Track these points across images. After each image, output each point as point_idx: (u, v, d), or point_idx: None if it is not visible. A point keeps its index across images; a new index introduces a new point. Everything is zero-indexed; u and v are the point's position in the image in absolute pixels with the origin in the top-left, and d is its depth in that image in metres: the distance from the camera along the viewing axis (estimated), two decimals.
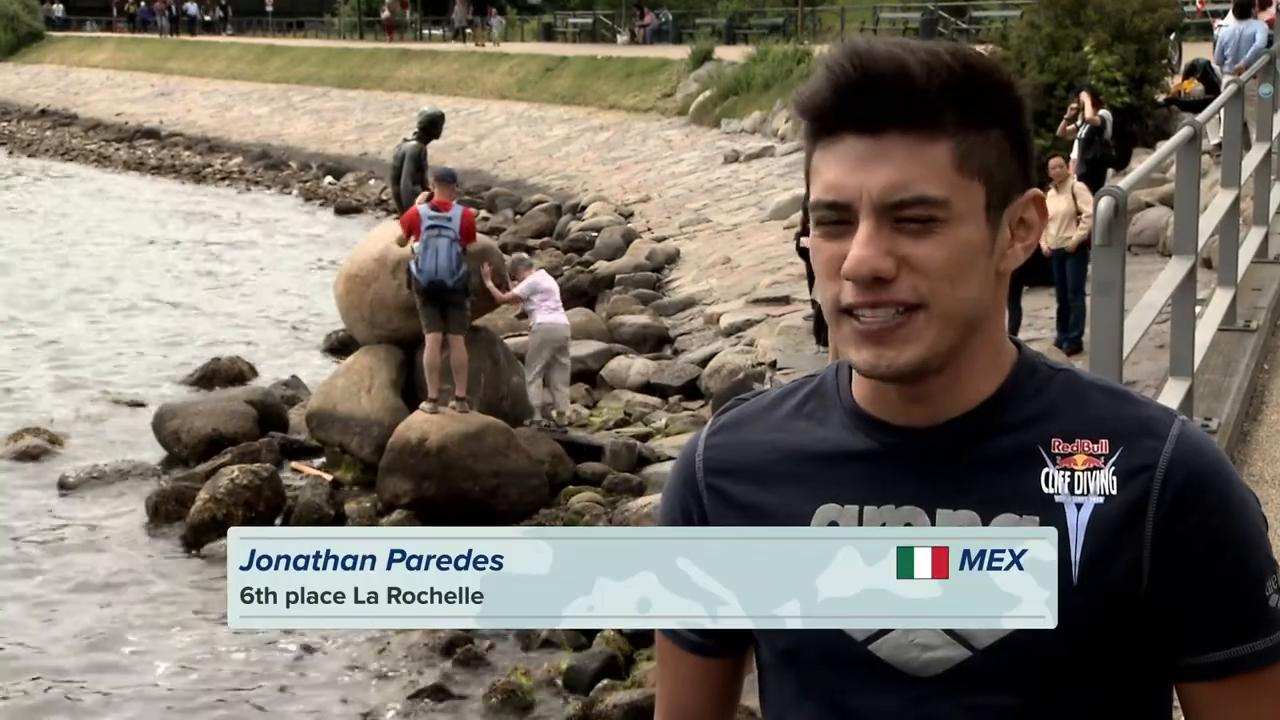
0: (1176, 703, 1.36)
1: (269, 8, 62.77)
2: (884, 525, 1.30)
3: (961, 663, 1.28)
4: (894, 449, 1.32)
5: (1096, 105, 13.45)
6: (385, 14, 55.70)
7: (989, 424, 1.31)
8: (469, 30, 47.10)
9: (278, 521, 10.52)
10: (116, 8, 65.46)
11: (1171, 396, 5.51)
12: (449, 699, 7.93)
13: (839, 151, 1.26)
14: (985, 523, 1.28)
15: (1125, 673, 1.31)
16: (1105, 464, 1.29)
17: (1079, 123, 13.15)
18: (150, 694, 8.23)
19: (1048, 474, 1.29)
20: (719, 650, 1.45)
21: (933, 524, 1.29)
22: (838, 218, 1.26)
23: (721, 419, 1.44)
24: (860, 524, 1.31)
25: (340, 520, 10.53)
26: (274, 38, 55.28)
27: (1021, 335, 11.42)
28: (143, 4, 64.74)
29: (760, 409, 1.42)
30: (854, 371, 1.37)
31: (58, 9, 66.08)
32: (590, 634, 8.32)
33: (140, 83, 48.97)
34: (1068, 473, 1.29)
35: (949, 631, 1.27)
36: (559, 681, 7.95)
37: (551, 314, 11.65)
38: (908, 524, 1.29)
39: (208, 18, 60.64)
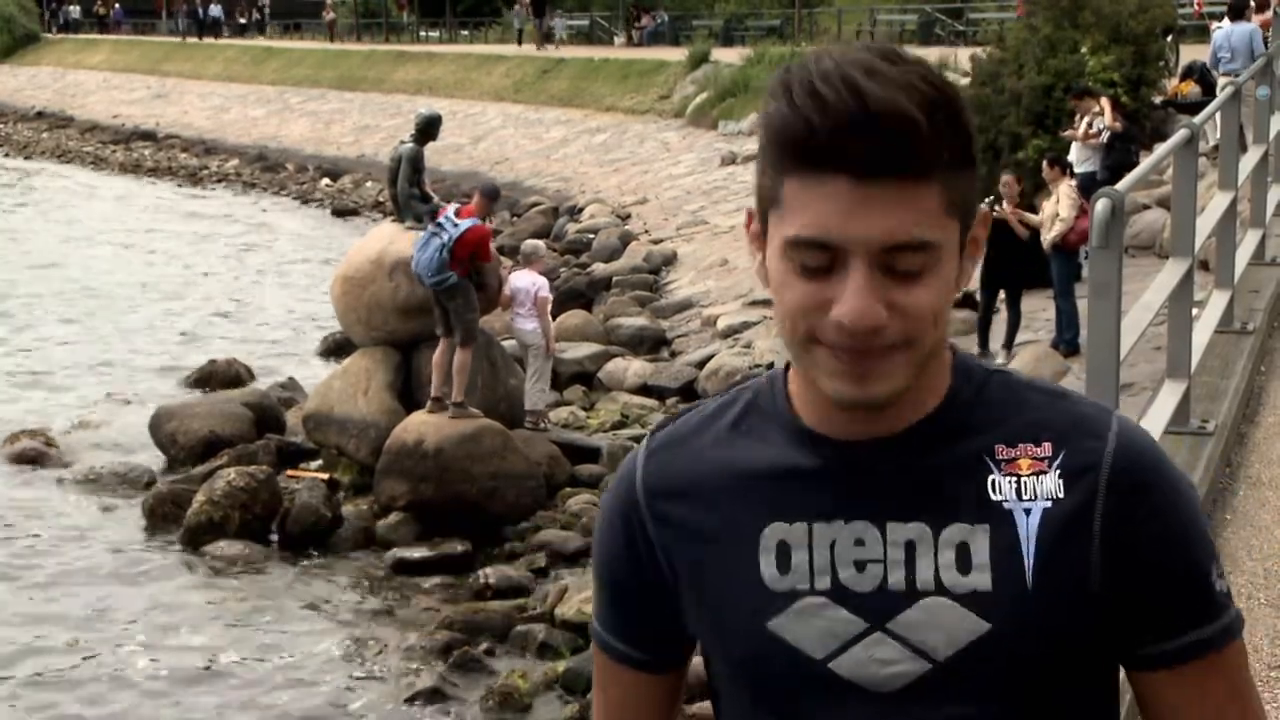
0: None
1: (265, 9, 62.85)
2: (834, 542, 1.29)
3: (922, 675, 1.27)
4: (839, 464, 1.30)
5: (1117, 111, 13.52)
6: (329, 16, 55.21)
7: (933, 435, 1.30)
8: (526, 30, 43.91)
9: (275, 523, 10.52)
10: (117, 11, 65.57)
11: (1168, 398, 5.51)
12: (446, 701, 7.92)
13: (827, 192, 1.19)
14: (936, 534, 1.28)
15: (1082, 669, 1.32)
16: (1050, 466, 1.29)
17: (1097, 129, 13.20)
18: (147, 695, 8.22)
19: (994, 480, 1.29)
20: (658, 666, 1.44)
21: (883, 538, 1.28)
22: (822, 261, 1.21)
23: (657, 439, 1.40)
24: (810, 541, 1.30)
25: (337, 522, 10.53)
26: (271, 39, 55.28)
27: (1020, 337, 11.43)
28: (116, 6, 64.74)
29: (696, 426, 1.38)
30: (789, 383, 1.35)
31: (74, 10, 66.01)
32: (586, 636, 8.31)
33: (137, 84, 48.96)
34: (1014, 478, 1.29)
35: (908, 645, 1.27)
36: (557, 684, 7.95)
37: (515, 319, 11.81)
38: (858, 540, 1.29)
39: (242, 20, 60.43)
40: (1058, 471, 1.29)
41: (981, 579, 1.27)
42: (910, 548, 1.28)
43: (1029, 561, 1.27)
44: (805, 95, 1.19)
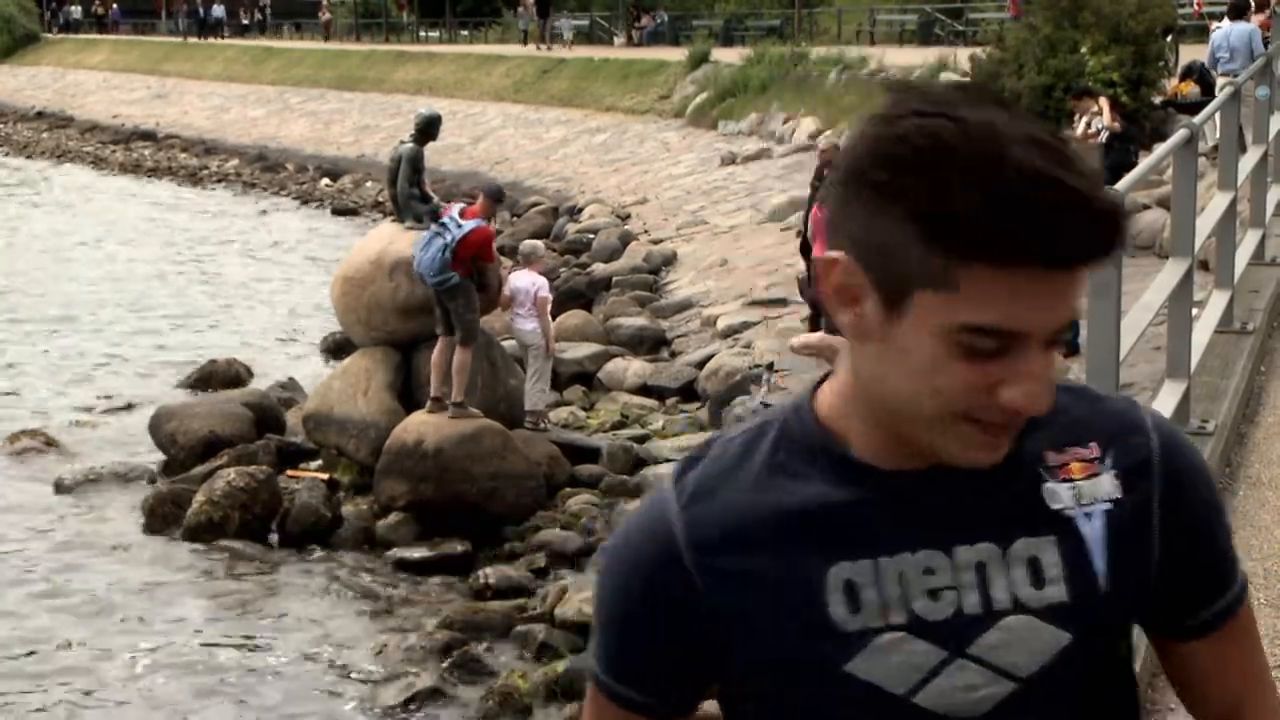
0: None
1: (267, 9, 62.90)
2: (902, 574, 1.27)
3: (1008, 696, 1.27)
4: (895, 494, 1.28)
5: (1116, 111, 13.53)
6: (325, 16, 55.20)
7: None
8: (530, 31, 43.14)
9: (275, 523, 10.52)
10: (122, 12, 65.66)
11: (1168, 398, 5.52)
12: (446, 701, 7.92)
13: (1021, 283, 1.17)
14: (1004, 552, 1.27)
15: (1125, 659, 1.36)
16: (1102, 467, 1.30)
17: (1096, 129, 13.22)
18: (146, 695, 8.22)
19: (1050, 488, 1.29)
20: (676, 712, 1.38)
21: (951, 563, 1.27)
22: (995, 345, 1.19)
23: (689, 486, 1.32)
24: (878, 576, 1.27)
25: (337, 522, 10.53)
26: (272, 40, 55.28)
27: None
28: (114, 6, 64.80)
29: (728, 468, 1.32)
30: (815, 413, 1.32)
31: (75, 10, 66.00)
32: (586, 636, 8.32)
33: (137, 84, 48.98)
34: (1069, 483, 1.29)
35: (990, 668, 1.27)
36: (556, 684, 7.94)
37: (515, 319, 11.80)
38: (928, 568, 1.27)
39: (245, 21, 60.36)
40: (1112, 472, 1.30)
41: (1058, 591, 1.27)
42: (981, 569, 1.27)
43: (1100, 565, 1.28)
44: (1005, 191, 1.14)
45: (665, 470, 10.92)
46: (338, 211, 28.22)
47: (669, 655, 1.33)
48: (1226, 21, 16.08)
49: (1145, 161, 6.05)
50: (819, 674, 1.28)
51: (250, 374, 15.03)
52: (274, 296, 20.56)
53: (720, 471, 1.32)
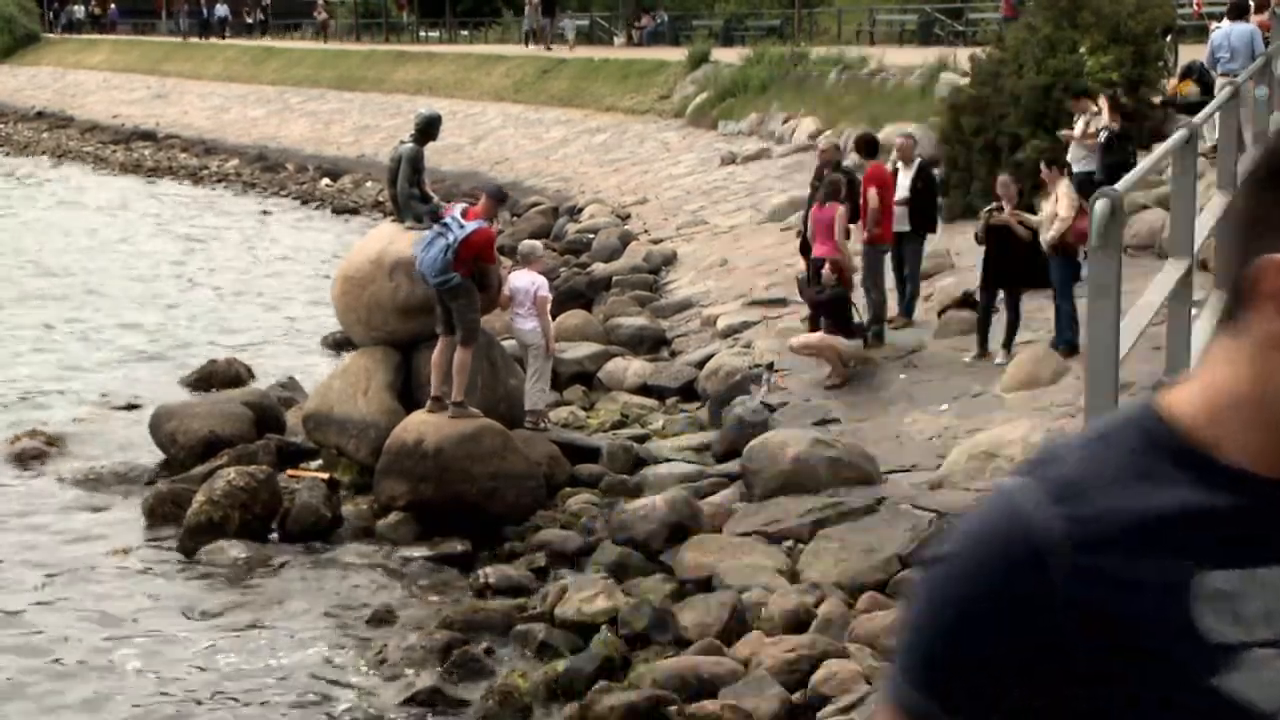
0: None
1: (268, 8, 62.90)
2: (1275, 587, 1.25)
3: None
4: (1267, 502, 1.26)
5: (1115, 110, 13.54)
6: (321, 16, 55.14)
7: None
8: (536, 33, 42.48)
9: (275, 523, 10.53)
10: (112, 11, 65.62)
11: None
12: (446, 701, 7.92)
13: None
14: None
15: None
16: None
17: (1095, 128, 13.23)
18: (145, 695, 8.22)
19: None
20: None
21: None
22: None
23: (1052, 484, 1.29)
24: (1253, 588, 1.25)
25: (337, 522, 10.53)
26: (275, 39, 55.31)
27: (1020, 337, 11.45)
28: (113, 6, 64.80)
29: (1091, 472, 1.29)
30: (1174, 416, 1.31)
31: (78, 10, 65.97)
32: (586, 636, 8.32)
33: (137, 84, 48.98)
34: None
35: None
36: (556, 684, 7.94)
37: (514, 319, 11.80)
38: None
39: (249, 20, 60.34)
40: None
41: None
42: None
43: None
44: None
45: (665, 470, 10.94)
46: (338, 211, 28.23)
47: (1012, 650, 1.27)
48: (1226, 21, 16.10)
49: (1145, 161, 6.05)
50: (1179, 683, 1.24)
51: (250, 374, 15.03)
52: (274, 296, 20.56)
53: (1080, 474, 1.29)
